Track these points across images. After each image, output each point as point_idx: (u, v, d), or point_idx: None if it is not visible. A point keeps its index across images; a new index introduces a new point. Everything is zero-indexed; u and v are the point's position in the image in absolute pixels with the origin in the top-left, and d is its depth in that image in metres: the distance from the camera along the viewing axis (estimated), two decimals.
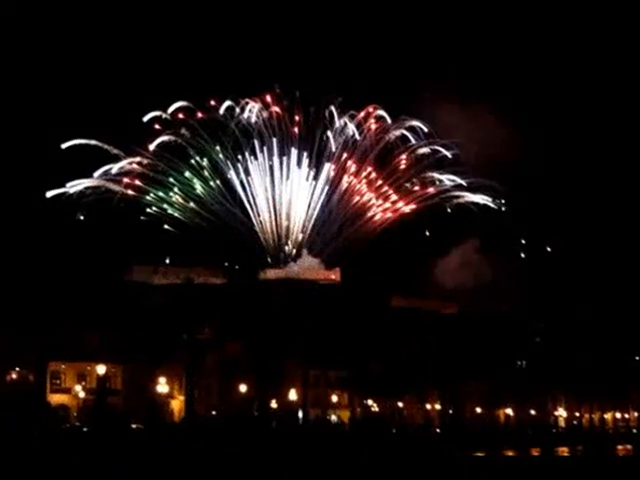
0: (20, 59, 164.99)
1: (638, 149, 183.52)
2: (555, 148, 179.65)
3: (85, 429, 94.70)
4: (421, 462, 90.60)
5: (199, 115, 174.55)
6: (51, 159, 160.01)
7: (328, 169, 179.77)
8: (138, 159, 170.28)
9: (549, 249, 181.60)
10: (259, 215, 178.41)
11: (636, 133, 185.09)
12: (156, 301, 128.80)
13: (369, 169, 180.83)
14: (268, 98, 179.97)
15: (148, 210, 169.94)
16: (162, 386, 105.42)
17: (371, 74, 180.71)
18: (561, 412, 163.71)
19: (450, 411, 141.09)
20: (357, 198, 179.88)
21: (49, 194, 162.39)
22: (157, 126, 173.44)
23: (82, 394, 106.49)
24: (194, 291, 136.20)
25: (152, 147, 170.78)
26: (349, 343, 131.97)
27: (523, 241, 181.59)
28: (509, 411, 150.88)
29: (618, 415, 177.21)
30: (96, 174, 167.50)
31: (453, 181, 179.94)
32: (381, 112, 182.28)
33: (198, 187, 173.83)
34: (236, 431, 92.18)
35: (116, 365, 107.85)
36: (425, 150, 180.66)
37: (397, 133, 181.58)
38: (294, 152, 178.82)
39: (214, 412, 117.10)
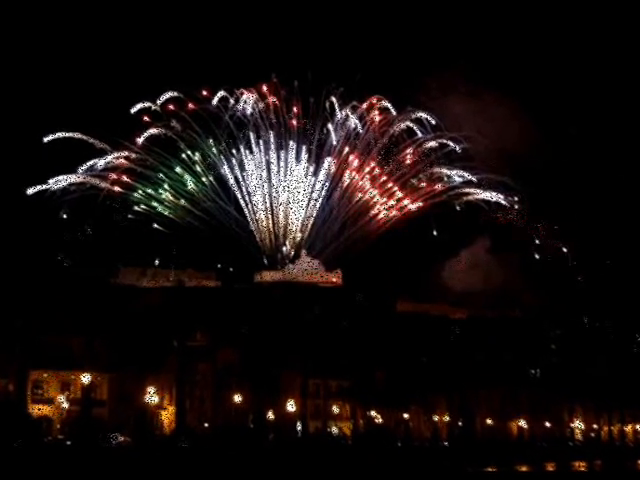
0: None
1: None
2: (573, 141, 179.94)
3: (69, 442, 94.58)
4: (428, 478, 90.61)
5: (190, 106, 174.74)
6: (32, 153, 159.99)
7: (329, 164, 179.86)
8: (125, 153, 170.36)
9: (565, 249, 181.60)
10: (255, 213, 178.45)
11: None
12: (144, 305, 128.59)
13: (372, 164, 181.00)
14: (264, 88, 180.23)
15: (136, 208, 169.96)
16: (151, 396, 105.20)
17: (374, 63, 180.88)
18: (578, 424, 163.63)
19: (459, 423, 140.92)
20: (360, 195, 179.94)
21: (30, 191, 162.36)
22: (146, 118, 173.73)
23: (66, 405, 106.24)
24: (185, 294, 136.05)
25: (140, 141, 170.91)
26: (351, 350, 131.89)
27: (537, 241, 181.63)
28: (522, 423, 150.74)
29: (639, 427, 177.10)
30: (80, 170, 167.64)
31: (462, 177, 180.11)
32: (385, 103, 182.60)
33: (189, 183, 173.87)
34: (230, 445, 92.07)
35: (102, 374, 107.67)
36: (432, 144, 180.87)
37: (402, 126, 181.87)
38: (292, 146, 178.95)
39: (206, 424, 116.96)
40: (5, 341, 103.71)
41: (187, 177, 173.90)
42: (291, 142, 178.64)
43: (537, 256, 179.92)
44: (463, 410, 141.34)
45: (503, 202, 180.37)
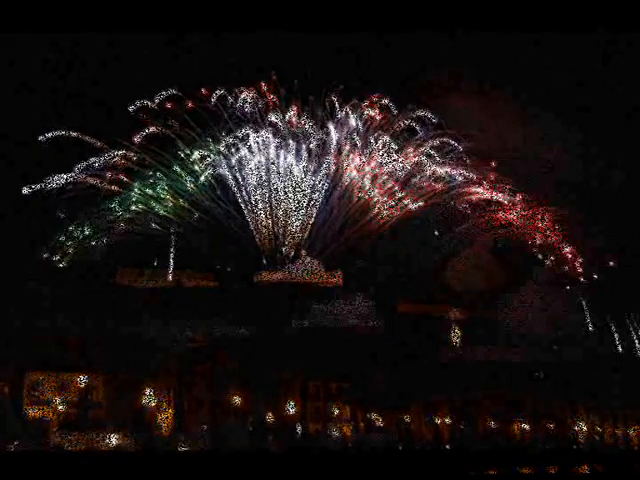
0: None
1: None
2: (577, 140, 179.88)
3: (67, 445, 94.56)
4: None
5: (189, 105, 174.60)
6: (28, 152, 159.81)
7: (329, 163, 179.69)
8: (123, 152, 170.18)
9: (567, 249, 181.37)
10: (255, 213, 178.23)
11: None
12: (142, 306, 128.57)
13: (373, 164, 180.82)
14: (264, 87, 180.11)
15: (134, 207, 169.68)
16: (149, 398, 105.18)
17: (375, 60, 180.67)
18: (581, 426, 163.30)
19: (461, 426, 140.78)
20: (360, 194, 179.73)
21: (25, 190, 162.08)
22: (144, 116, 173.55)
23: (62, 407, 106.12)
24: (183, 295, 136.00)
25: (138, 139, 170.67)
26: (351, 351, 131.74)
27: (539, 241, 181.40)
28: (524, 425, 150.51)
29: None
30: (77, 169, 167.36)
31: (464, 176, 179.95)
32: (386, 101, 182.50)
33: (188, 183, 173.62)
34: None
35: (99, 375, 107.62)
36: (434, 142, 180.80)
37: (403, 124, 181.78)
38: (292, 145, 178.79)
39: (205, 426, 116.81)
40: (2, 342, 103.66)
41: (185, 176, 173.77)
42: (291, 141, 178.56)
43: (540, 256, 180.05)
44: (464, 412, 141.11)
45: (504, 201, 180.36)
